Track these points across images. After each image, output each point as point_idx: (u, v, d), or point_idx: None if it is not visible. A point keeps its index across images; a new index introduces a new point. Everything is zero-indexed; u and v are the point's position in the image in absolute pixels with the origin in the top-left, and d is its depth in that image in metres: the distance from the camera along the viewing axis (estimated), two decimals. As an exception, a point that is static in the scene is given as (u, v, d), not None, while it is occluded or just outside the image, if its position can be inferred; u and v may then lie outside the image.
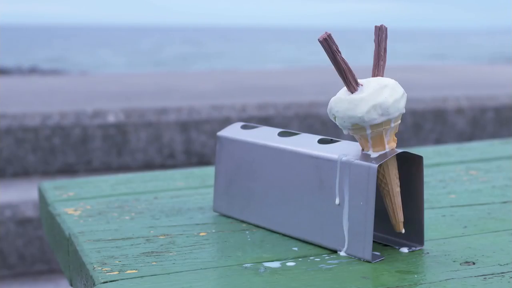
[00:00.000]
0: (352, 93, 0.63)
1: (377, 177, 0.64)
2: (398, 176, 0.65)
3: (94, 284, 0.60)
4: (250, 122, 3.11)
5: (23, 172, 2.87)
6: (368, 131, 0.63)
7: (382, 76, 0.64)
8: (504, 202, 0.83)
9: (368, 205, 0.63)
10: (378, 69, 0.64)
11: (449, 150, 1.14)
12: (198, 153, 3.07)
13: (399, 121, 0.64)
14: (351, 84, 0.63)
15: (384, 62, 0.64)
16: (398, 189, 0.65)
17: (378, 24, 0.64)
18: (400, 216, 0.65)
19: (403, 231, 0.66)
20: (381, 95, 0.62)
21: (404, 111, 0.63)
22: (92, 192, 0.90)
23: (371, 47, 0.67)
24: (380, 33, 0.64)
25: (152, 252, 0.67)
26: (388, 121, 0.63)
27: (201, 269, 0.62)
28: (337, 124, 0.64)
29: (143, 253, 0.66)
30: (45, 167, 2.90)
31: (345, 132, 0.65)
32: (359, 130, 0.63)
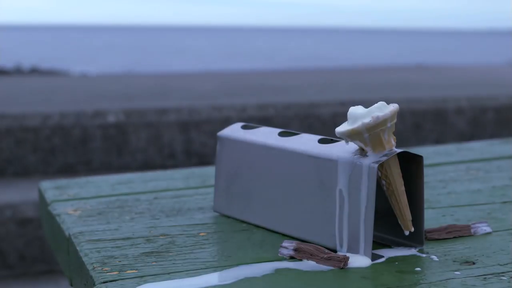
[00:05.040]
0: None
1: (380, 177, 0.65)
2: (401, 175, 0.65)
3: (94, 284, 0.60)
4: (250, 122, 3.11)
5: (23, 172, 2.87)
6: (366, 135, 0.63)
7: None
8: (504, 202, 0.83)
9: (368, 205, 0.63)
10: None
11: (449, 150, 1.14)
12: (198, 153, 3.07)
13: (395, 120, 0.64)
14: None
15: None
16: (402, 188, 0.65)
17: None
18: (408, 214, 0.65)
19: (413, 229, 0.65)
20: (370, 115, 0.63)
21: (396, 108, 0.64)
22: (92, 192, 0.90)
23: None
24: None
25: (152, 252, 0.67)
26: (384, 121, 0.63)
27: (201, 269, 0.62)
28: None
29: (143, 253, 0.66)
30: (45, 167, 2.90)
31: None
32: (357, 135, 0.64)
